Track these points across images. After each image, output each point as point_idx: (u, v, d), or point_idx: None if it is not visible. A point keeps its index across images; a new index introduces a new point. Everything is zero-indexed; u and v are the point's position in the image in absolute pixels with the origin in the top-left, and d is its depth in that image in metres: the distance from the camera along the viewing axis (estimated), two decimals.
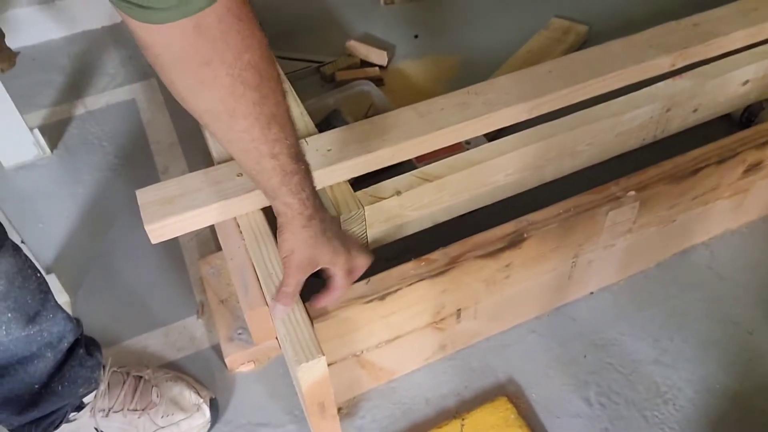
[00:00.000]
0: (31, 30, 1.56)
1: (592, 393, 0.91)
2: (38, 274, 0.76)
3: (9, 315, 0.71)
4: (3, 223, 0.74)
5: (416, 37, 1.53)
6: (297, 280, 0.72)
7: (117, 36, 1.60)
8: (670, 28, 1.05)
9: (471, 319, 0.91)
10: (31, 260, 0.76)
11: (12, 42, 1.28)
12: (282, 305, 0.73)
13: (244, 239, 0.89)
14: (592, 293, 1.02)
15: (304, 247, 0.69)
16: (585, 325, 0.99)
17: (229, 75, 0.56)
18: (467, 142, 1.08)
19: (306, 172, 0.67)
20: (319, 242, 0.70)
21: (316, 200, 0.69)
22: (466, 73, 1.41)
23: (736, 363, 0.93)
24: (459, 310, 0.89)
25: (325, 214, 0.71)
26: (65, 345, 0.78)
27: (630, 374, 0.93)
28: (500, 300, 0.91)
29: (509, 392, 0.91)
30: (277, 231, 0.70)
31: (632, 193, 0.88)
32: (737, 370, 0.93)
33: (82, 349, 0.81)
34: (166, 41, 0.53)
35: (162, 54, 0.55)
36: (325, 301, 0.76)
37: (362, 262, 0.77)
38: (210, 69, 0.55)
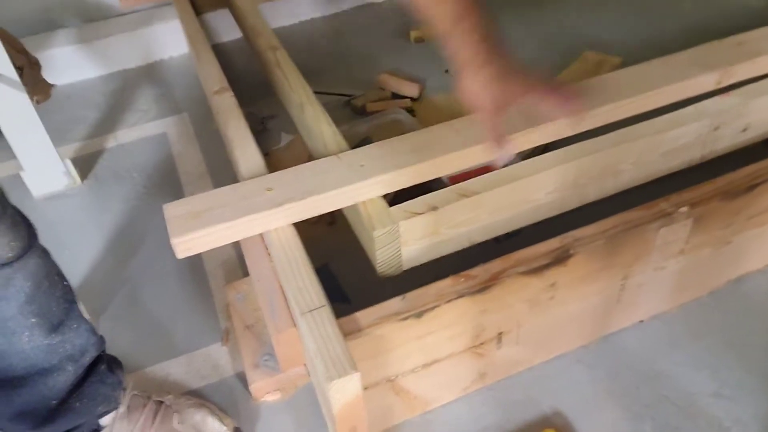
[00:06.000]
0: (67, 69, 1.59)
1: (648, 428, 0.83)
2: (65, 282, 0.73)
3: (33, 320, 0.68)
4: None
5: (447, 71, 1.52)
6: (494, 122, 0.70)
7: (151, 74, 1.62)
8: (714, 47, 1.02)
9: (513, 345, 0.85)
10: (58, 267, 0.73)
11: (49, 81, 1.29)
12: (502, 149, 0.71)
13: (272, 261, 0.86)
14: (642, 321, 0.95)
15: (489, 86, 0.67)
16: (636, 355, 0.91)
17: None
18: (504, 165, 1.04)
19: (481, 16, 0.64)
20: (506, 76, 0.67)
21: (494, 39, 0.66)
22: None
23: None
24: (500, 333, 0.83)
25: (504, 50, 0.67)
26: (87, 359, 0.74)
27: (688, 407, 0.85)
28: (544, 324, 0.85)
29: (557, 425, 0.84)
30: (457, 82, 0.69)
31: (684, 209, 0.83)
32: None
33: (104, 366, 0.77)
34: None
35: None
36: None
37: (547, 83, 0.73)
38: None
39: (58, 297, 0.70)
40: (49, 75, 1.50)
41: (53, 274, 0.71)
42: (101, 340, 0.77)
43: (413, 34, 1.64)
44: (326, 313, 0.72)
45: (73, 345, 0.72)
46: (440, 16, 0.62)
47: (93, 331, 0.75)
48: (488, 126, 0.70)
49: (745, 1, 1.67)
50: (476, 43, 0.65)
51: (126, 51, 1.63)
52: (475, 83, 0.67)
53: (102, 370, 0.76)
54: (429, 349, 0.78)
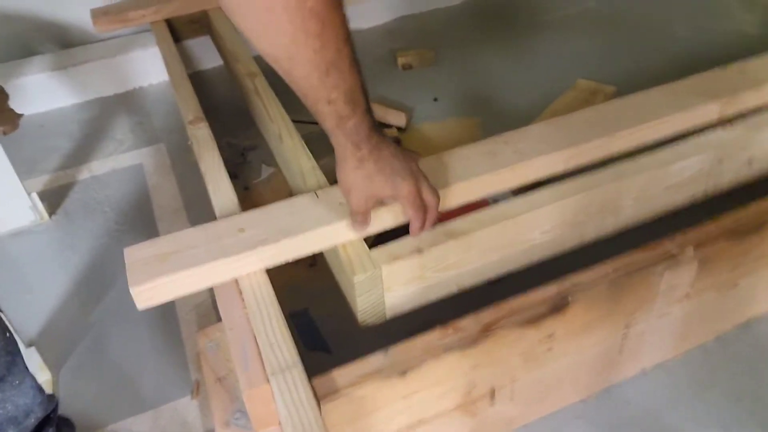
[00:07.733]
0: (41, 97, 1.53)
1: None
2: (7, 334, 0.66)
3: None
4: None
5: (435, 100, 1.46)
6: (362, 213, 0.74)
7: (129, 103, 1.56)
8: (716, 74, 0.97)
9: (507, 401, 0.78)
10: (0, 317, 0.65)
11: (22, 109, 1.22)
12: (360, 226, 0.76)
13: (246, 307, 0.78)
14: (645, 371, 0.88)
15: (359, 185, 0.71)
16: (640, 409, 0.84)
17: (290, 23, 0.57)
18: (494, 200, 0.98)
19: (363, 115, 0.66)
20: (376, 180, 0.71)
21: (371, 141, 0.68)
22: (489, 134, 1.32)
23: None
24: (493, 389, 0.76)
25: (381, 153, 0.70)
26: (32, 421, 0.66)
27: None
28: (541, 378, 0.78)
29: None
30: (336, 167, 0.72)
31: (690, 250, 0.77)
32: None
33: (52, 429, 0.69)
34: None
35: None
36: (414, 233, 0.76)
37: (430, 198, 0.74)
38: (272, 15, 0.56)
39: None
40: (22, 103, 1.44)
41: None
42: (49, 399, 0.69)
43: (400, 60, 1.59)
44: (298, 373, 0.65)
45: (15, 405, 0.65)
46: (326, 114, 0.65)
47: (39, 388, 0.68)
48: (353, 215, 0.75)
49: (739, 28, 1.63)
50: (357, 144, 0.68)
51: (103, 78, 1.57)
52: (349, 179, 0.71)
53: None
54: (415, 409, 0.71)
